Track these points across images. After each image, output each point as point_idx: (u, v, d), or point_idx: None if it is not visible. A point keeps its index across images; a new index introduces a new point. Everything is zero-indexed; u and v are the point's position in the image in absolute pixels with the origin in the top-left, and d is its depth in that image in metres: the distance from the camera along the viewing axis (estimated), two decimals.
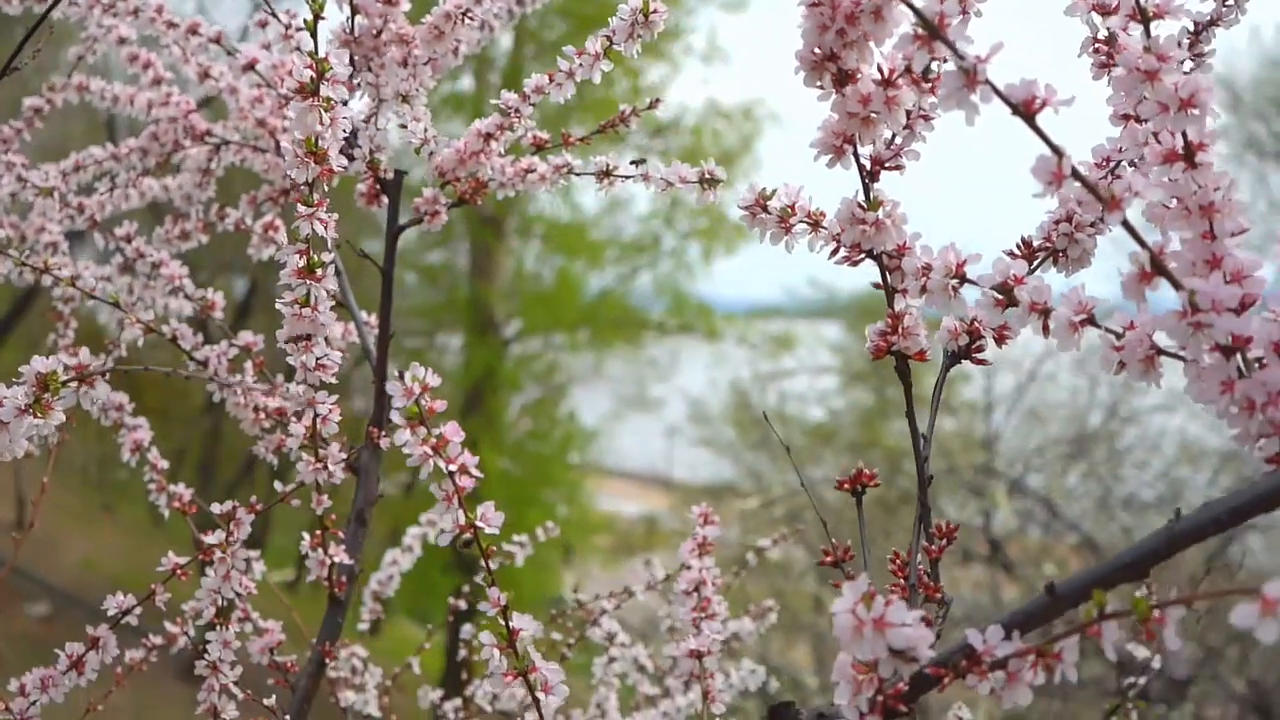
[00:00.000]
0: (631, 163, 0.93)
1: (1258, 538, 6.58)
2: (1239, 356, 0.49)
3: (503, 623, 0.63)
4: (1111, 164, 0.67)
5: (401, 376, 0.59)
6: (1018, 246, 0.67)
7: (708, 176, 0.81)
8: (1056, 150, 0.49)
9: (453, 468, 0.60)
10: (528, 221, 11.72)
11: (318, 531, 0.93)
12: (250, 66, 1.02)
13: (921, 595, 0.60)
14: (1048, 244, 0.66)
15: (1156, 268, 0.50)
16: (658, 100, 0.97)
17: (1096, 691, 6.20)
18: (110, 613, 0.88)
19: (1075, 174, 0.49)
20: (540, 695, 0.62)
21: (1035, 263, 0.66)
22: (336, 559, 0.94)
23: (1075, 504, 6.69)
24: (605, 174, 0.92)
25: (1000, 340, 0.65)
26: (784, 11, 0.66)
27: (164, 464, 1.07)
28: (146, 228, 1.26)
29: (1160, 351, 0.53)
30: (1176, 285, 0.49)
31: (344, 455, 0.88)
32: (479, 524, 0.61)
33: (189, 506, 1.03)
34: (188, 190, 1.15)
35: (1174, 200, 0.54)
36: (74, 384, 0.66)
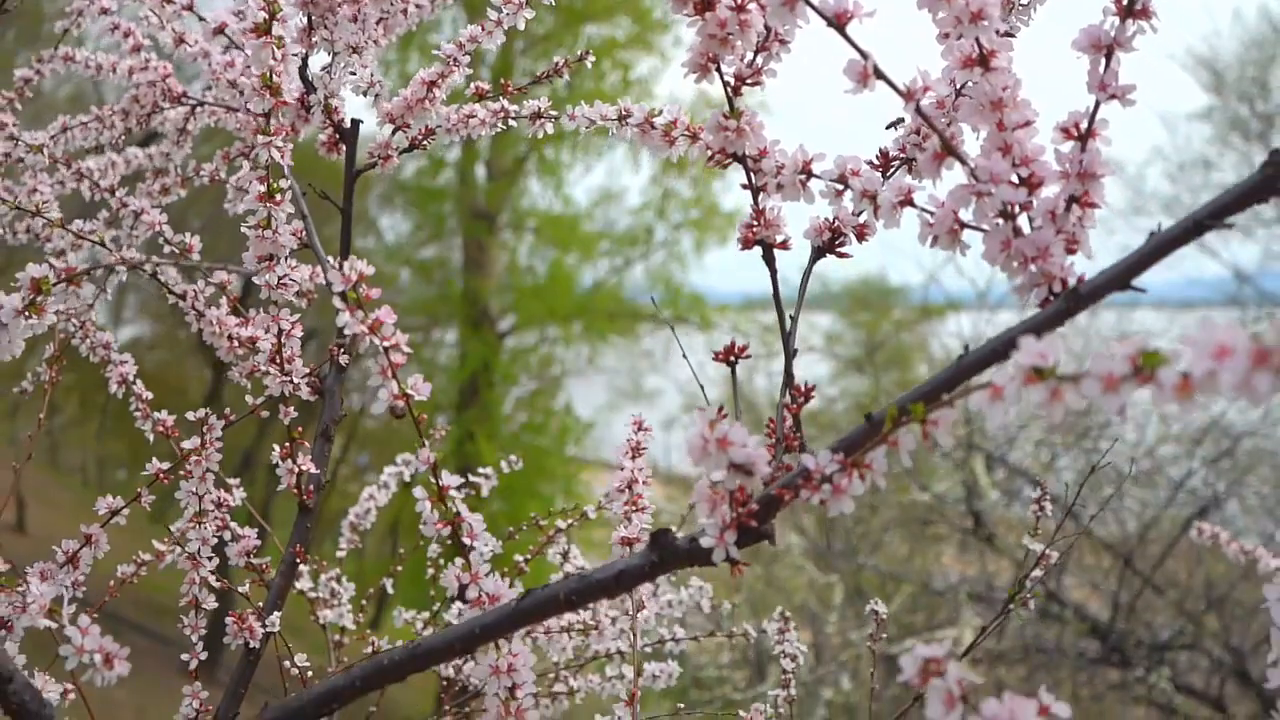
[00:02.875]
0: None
1: (1234, 505, 6.71)
2: (1016, 221, 0.60)
3: (433, 480, 0.73)
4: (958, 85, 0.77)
5: (341, 268, 0.69)
6: (876, 155, 0.77)
7: (624, 114, 0.92)
8: (864, 54, 0.60)
9: (388, 344, 0.70)
10: (520, 216, 11.83)
11: (286, 443, 1.04)
12: (220, 30, 1.12)
13: (784, 445, 0.70)
14: (902, 154, 0.76)
15: (947, 149, 0.61)
16: (587, 53, 1.08)
17: (1081, 661, 6.33)
18: (100, 513, 0.99)
19: (879, 73, 0.60)
20: (467, 541, 0.73)
21: (891, 169, 0.76)
22: (304, 468, 1.05)
23: (1058, 478, 6.82)
24: (537, 115, 1.03)
25: (860, 237, 0.76)
26: None
27: (149, 395, 1.18)
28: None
29: (963, 225, 0.63)
30: (963, 162, 0.60)
31: (308, 370, 0.99)
32: (410, 392, 0.71)
33: (172, 430, 1.13)
34: (166, 149, 1.25)
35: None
36: (63, 285, 0.77)
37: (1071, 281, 0.59)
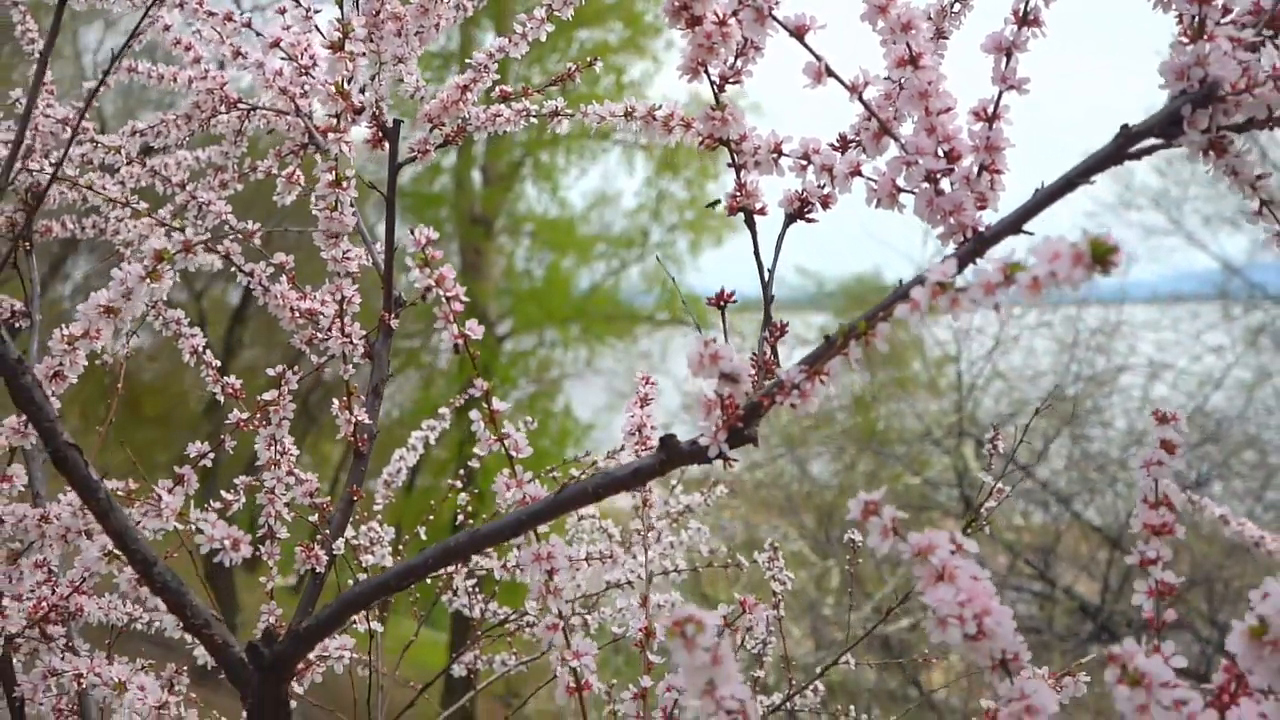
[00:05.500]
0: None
1: (1218, 485, 6.90)
2: (939, 185, 0.78)
3: (487, 407, 0.91)
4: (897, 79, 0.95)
5: (412, 231, 0.87)
6: (837, 138, 0.95)
7: (629, 110, 1.10)
8: (818, 57, 0.77)
9: (449, 294, 0.88)
10: (517, 220, 12.01)
11: (345, 398, 1.21)
12: (276, 44, 1.30)
13: (765, 368, 0.88)
14: (857, 136, 0.94)
15: (883, 130, 0.78)
16: (595, 59, 1.25)
17: (1074, 640, 6.51)
18: (191, 455, 1.16)
19: (830, 72, 0.77)
20: (513, 454, 0.91)
21: (849, 149, 0.94)
22: (359, 419, 1.22)
23: (1047, 463, 7.01)
24: (554, 114, 1.21)
25: (825, 205, 0.93)
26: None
27: (217, 363, 1.35)
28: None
29: (899, 189, 0.81)
30: (896, 140, 0.78)
31: (364, 333, 1.17)
32: (467, 333, 0.89)
33: (240, 392, 1.31)
34: (225, 148, 1.43)
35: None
36: (181, 254, 0.95)
37: (982, 229, 0.77)
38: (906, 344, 11.16)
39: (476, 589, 1.62)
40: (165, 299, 1.40)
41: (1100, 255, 0.55)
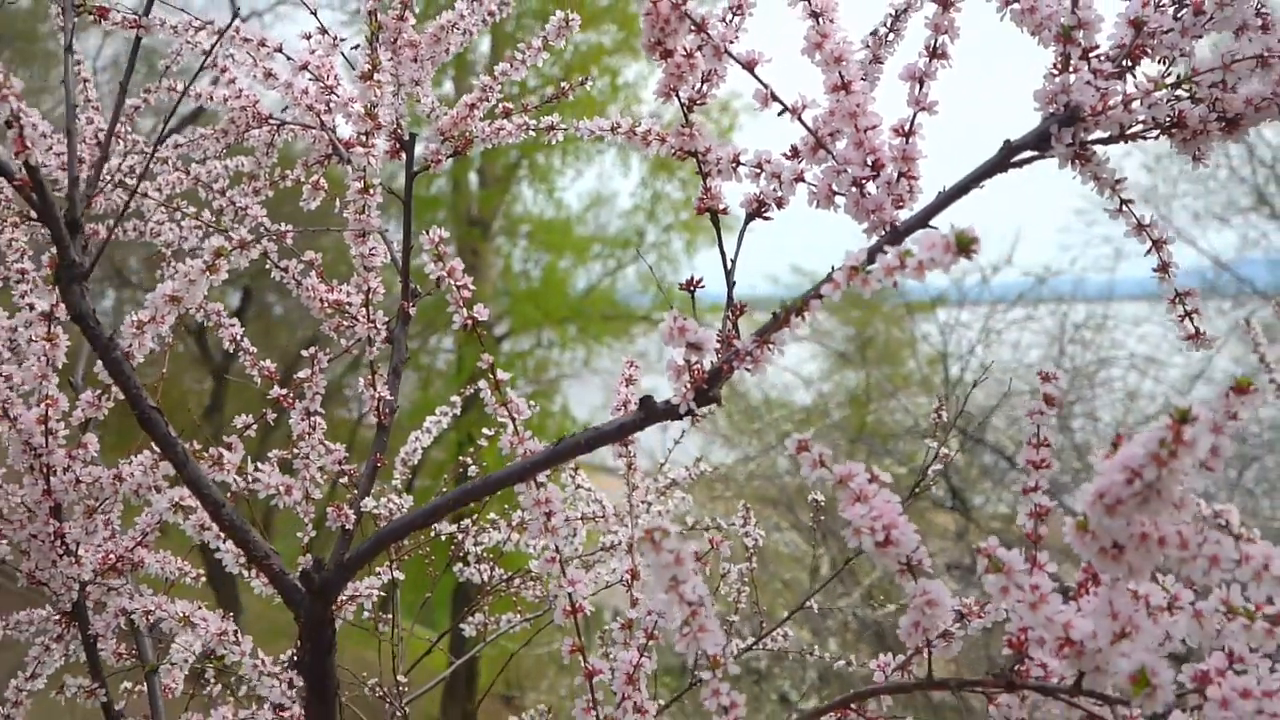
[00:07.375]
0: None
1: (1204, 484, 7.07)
2: (865, 188, 0.95)
3: (492, 376, 1.08)
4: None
5: (425, 232, 1.04)
6: (790, 149, 1.12)
7: (614, 125, 1.27)
8: (765, 85, 0.95)
9: (459, 283, 1.06)
10: (513, 221, 12.18)
11: (369, 375, 1.39)
12: (304, 66, 1.47)
13: (727, 340, 1.05)
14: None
15: (818, 144, 0.96)
16: (586, 78, 1.43)
17: None
18: (238, 425, 1.34)
19: (774, 96, 0.95)
20: (515, 416, 1.08)
21: (799, 158, 1.12)
22: (382, 395, 1.40)
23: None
24: (551, 128, 1.38)
25: (779, 206, 1.11)
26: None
27: (254, 349, 1.53)
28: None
29: (834, 192, 0.98)
30: (828, 151, 0.96)
31: (386, 319, 1.34)
32: (475, 315, 1.07)
33: (274, 374, 1.49)
34: (258, 158, 1.60)
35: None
36: (236, 250, 1.12)
37: (898, 225, 0.95)
38: (902, 342, 11.35)
39: (485, 554, 1.80)
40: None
41: (963, 244, 0.72)
